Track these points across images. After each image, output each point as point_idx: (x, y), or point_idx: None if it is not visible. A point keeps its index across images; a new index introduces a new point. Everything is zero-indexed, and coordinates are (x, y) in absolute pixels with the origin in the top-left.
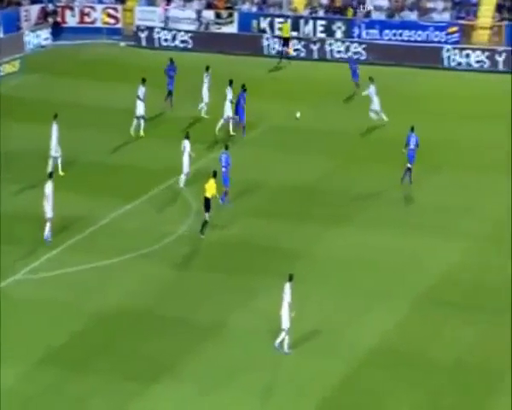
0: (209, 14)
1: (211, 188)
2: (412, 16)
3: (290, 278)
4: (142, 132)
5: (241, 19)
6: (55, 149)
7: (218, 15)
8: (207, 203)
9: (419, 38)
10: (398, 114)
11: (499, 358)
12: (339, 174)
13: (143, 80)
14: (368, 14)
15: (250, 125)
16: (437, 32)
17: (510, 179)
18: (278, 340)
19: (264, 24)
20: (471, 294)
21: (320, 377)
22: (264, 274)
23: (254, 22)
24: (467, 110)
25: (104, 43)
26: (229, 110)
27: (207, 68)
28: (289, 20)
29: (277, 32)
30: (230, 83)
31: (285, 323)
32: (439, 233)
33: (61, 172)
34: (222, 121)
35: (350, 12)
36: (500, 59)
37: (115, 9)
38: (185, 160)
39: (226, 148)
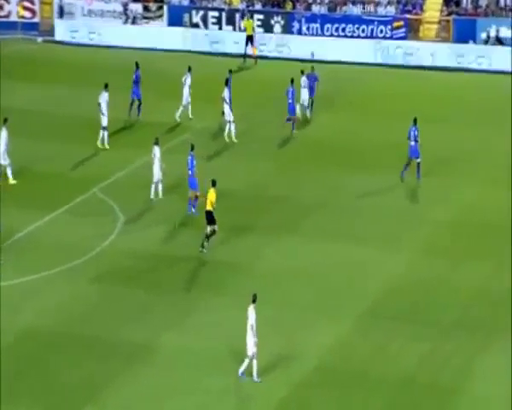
0: (136, 7)
1: (210, 198)
2: (356, 10)
3: (254, 300)
4: (106, 145)
5: (171, 12)
6: (3, 157)
7: (146, 8)
8: (209, 216)
9: (363, 34)
10: (338, 114)
11: (449, 375)
12: (280, 181)
13: (106, 86)
14: (308, 7)
15: (181, 128)
16: (382, 27)
17: (453, 184)
18: (242, 368)
19: (197, 18)
20: (418, 308)
21: (256, 401)
22: (200, 290)
23: (186, 16)
24: (409, 109)
25: (20, 39)
26: (228, 114)
27: (189, 69)
28: (252, 17)
29: (220, 27)
30: (227, 82)
31: (250, 349)
32: (384, 243)
33: (12, 181)
34: (228, 126)
35: (289, 5)
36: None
37: (32, 2)
38: (155, 168)
39: (192, 149)
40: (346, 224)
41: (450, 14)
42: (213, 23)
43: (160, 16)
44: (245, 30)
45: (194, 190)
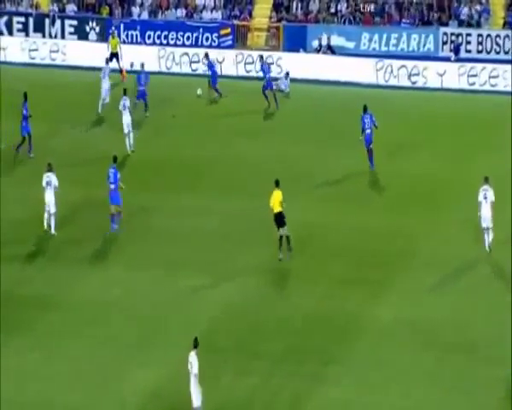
0: None
1: (277, 199)
2: (179, 14)
3: (195, 345)
4: None
5: None
6: None
7: None
8: (281, 218)
9: (187, 42)
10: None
11: (284, 409)
12: (91, 204)
13: None
14: (127, 12)
15: None
16: (207, 34)
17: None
18: None
19: (0, 24)
20: (246, 339)
21: None
22: (2, 330)
23: None
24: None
25: None
26: (128, 123)
27: (107, 61)
28: (116, 34)
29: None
30: (125, 91)
31: (196, 401)
32: (211, 269)
33: None
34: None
35: (105, 10)
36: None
37: None
38: (48, 197)
39: (114, 161)
40: (165, 249)
41: (279, 20)
42: (19, 30)
43: None
44: (109, 47)
45: (116, 205)
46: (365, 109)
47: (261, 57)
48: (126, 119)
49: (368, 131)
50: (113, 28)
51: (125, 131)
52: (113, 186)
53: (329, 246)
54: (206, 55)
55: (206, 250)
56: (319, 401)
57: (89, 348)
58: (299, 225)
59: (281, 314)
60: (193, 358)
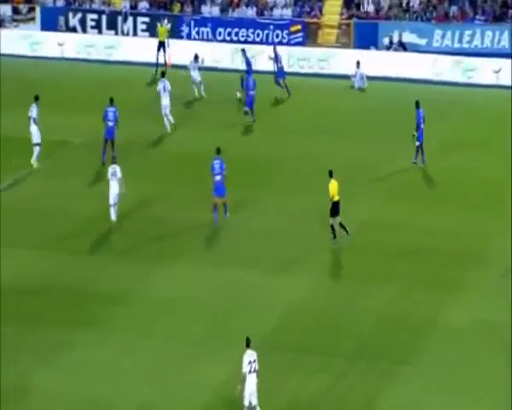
0: (5, 9)
1: (336, 188)
2: (250, 12)
3: (248, 344)
4: (35, 163)
5: (44, 15)
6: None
7: (16, 10)
8: (338, 207)
9: (258, 38)
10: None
11: (353, 407)
12: (158, 200)
13: (36, 98)
14: (198, 9)
15: (57, 145)
16: (278, 31)
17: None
18: None
19: (75, 21)
20: (316, 338)
21: None
22: (76, 324)
23: (61, 19)
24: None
25: None
26: (166, 105)
27: (196, 57)
28: (166, 22)
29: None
30: (163, 74)
31: (254, 398)
32: (282, 268)
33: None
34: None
35: (177, 7)
36: None
37: None
38: (113, 188)
39: (218, 152)
40: (237, 247)
41: (350, 17)
42: (92, 27)
43: (32, 19)
44: (157, 35)
45: (221, 197)
46: (418, 105)
47: (274, 47)
48: (165, 101)
49: (422, 124)
50: (164, 19)
51: (163, 112)
52: (218, 177)
53: (398, 246)
54: (243, 51)
55: (277, 248)
56: (390, 400)
57: (157, 344)
58: (365, 225)
59: (351, 313)
60: (255, 356)
